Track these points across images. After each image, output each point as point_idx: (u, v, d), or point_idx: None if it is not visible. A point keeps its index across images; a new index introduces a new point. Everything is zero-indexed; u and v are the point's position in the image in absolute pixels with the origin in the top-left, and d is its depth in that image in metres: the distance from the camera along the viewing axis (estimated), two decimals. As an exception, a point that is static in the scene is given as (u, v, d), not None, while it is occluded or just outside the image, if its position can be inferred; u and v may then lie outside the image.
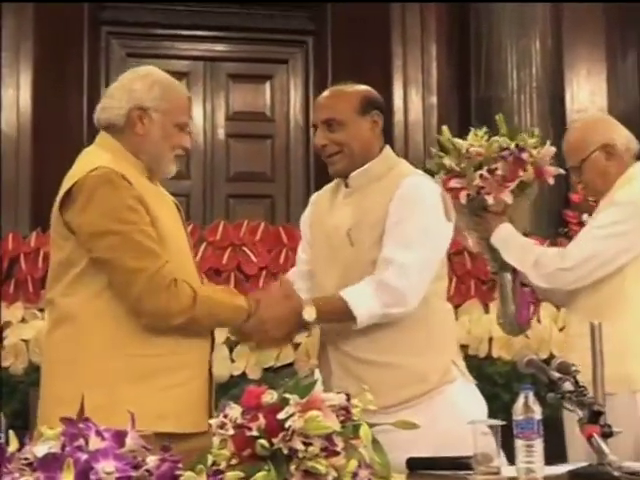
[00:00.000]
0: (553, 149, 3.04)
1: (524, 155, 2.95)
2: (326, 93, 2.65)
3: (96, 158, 2.34)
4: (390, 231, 2.46)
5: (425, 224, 2.49)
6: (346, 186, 2.60)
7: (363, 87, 2.65)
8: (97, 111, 2.45)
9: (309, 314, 2.41)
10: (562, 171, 3.08)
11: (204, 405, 2.36)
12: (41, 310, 4.15)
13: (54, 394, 2.29)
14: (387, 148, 2.64)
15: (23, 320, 4.16)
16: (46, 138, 6.22)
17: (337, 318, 2.46)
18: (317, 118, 2.60)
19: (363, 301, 2.41)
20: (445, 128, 3.09)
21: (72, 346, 2.28)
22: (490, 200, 2.97)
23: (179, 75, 7.16)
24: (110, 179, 2.27)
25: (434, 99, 6.75)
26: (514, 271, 3.10)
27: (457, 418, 2.29)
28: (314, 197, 2.80)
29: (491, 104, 6.02)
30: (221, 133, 7.01)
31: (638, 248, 2.89)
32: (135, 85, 2.40)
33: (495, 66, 6.10)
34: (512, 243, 3.04)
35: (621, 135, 3.00)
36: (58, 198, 2.32)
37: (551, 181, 3.05)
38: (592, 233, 2.95)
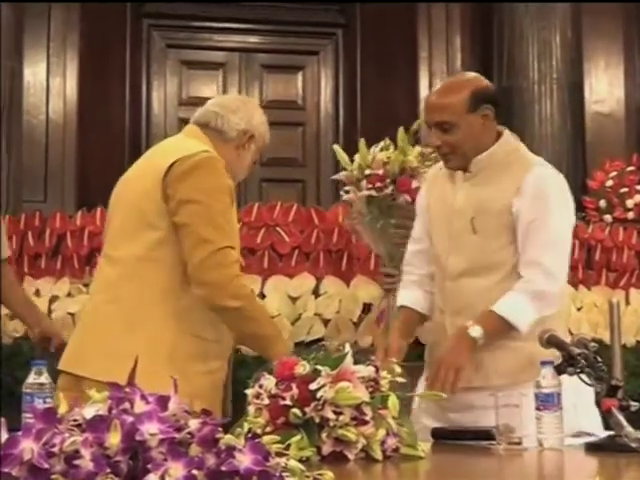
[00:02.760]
0: None
1: None
2: (437, 91, 2.52)
3: (197, 145, 2.41)
4: (529, 231, 2.38)
5: (561, 223, 2.44)
6: (465, 170, 2.49)
7: (472, 79, 2.53)
8: (209, 113, 2.51)
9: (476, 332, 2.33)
10: None
11: (221, 395, 2.40)
12: (86, 285, 4.18)
13: (108, 350, 2.29)
14: (506, 133, 2.52)
15: (69, 294, 4.18)
16: (90, 124, 6.24)
17: (499, 333, 2.37)
18: (430, 119, 2.48)
19: (521, 313, 2.35)
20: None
21: (140, 308, 2.32)
22: None
23: (216, 65, 7.17)
24: (215, 163, 2.36)
25: (458, 89, 6.69)
26: None
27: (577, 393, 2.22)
28: (429, 175, 2.71)
29: (513, 93, 5.97)
30: (255, 120, 6.98)
31: None
32: (256, 113, 2.55)
33: (517, 57, 6.04)
34: None
35: None
36: (159, 169, 2.34)
37: None
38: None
